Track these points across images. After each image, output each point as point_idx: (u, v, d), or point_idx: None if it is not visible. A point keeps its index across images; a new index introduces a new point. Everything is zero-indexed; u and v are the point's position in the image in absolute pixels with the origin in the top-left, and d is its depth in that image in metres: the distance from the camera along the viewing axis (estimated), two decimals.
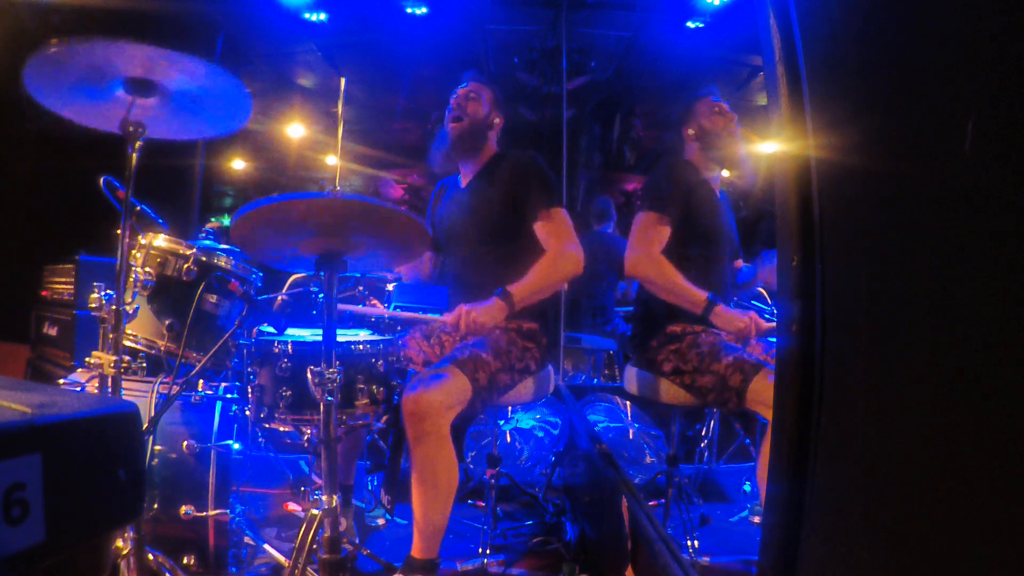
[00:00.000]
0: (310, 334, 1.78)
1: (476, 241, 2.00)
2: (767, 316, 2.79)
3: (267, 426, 1.66)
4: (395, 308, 2.70)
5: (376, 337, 1.76)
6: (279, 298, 2.00)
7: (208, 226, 2.19)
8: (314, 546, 1.48)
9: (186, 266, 1.80)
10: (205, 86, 1.49)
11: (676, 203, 1.95)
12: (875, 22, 0.67)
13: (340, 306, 1.92)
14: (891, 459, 0.63)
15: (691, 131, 2.12)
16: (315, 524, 1.49)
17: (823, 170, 0.76)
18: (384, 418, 1.75)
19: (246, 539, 1.86)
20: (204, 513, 1.66)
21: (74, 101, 1.47)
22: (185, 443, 1.69)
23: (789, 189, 0.79)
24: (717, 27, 4.27)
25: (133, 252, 1.80)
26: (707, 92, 2.14)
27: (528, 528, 2.27)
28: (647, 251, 1.92)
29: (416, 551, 1.67)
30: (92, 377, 1.83)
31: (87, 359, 1.49)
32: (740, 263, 2.31)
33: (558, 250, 1.88)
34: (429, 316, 1.98)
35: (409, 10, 4.25)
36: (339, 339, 1.56)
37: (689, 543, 2.01)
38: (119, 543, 1.44)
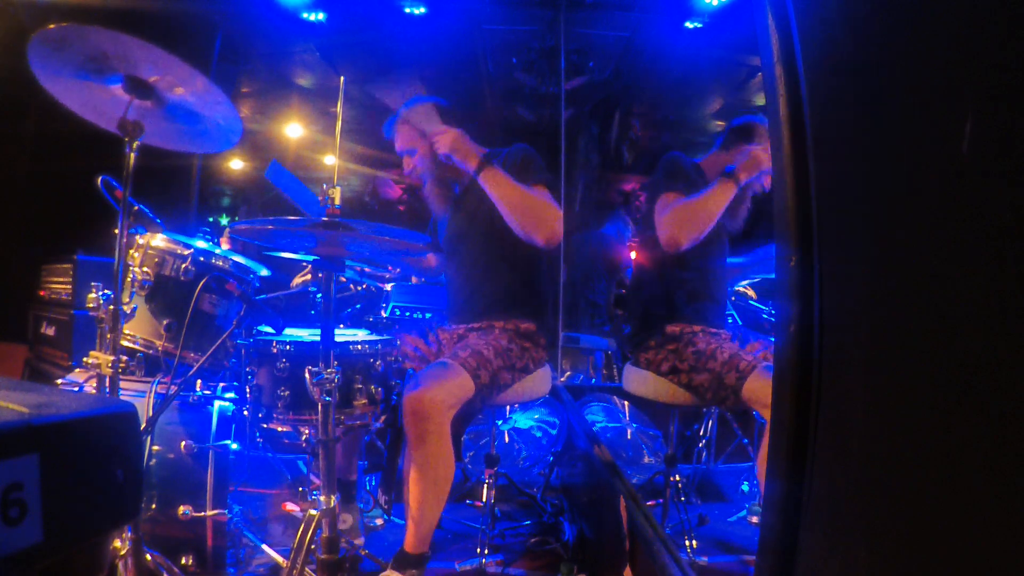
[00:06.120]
0: (308, 334, 1.78)
1: (474, 242, 2.00)
2: (765, 316, 2.79)
3: (265, 426, 1.66)
4: (393, 308, 2.69)
5: (374, 337, 1.75)
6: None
7: (207, 227, 2.18)
8: (312, 546, 1.48)
9: (184, 266, 1.80)
10: (200, 98, 1.50)
11: (684, 182, 1.93)
12: (873, 22, 0.67)
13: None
14: (889, 459, 0.63)
15: (740, 138, 2.02)
16: (313, 524, 1.49)
17: (821, 170, 0.76)
18: (382, 418, 1.75)
19: (244, 539, 1.86)
20: (202, 513, 1.66)
21: (74, 89, 1.47)
22: (183, 443, 1.68)
23: (787, 189, 0.79)
24: (715, 27, 4.27)
25: (131, 252, 1.80)
26: None
27: (526, 528, 2.27)
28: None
29: (409, 546, 1.68)
30: (90, 377, 1.83)
31: (85, 359, 1.48)
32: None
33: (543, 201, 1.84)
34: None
35: (407, 10, 4.24)
36: (337, 339, 1.56)
37: (687, 543, 2.01)
38: (117, 543, 1.44)
